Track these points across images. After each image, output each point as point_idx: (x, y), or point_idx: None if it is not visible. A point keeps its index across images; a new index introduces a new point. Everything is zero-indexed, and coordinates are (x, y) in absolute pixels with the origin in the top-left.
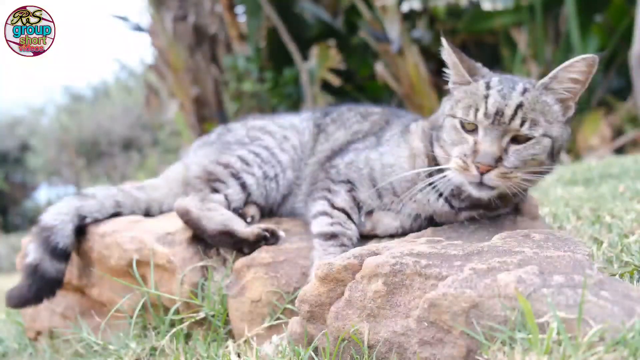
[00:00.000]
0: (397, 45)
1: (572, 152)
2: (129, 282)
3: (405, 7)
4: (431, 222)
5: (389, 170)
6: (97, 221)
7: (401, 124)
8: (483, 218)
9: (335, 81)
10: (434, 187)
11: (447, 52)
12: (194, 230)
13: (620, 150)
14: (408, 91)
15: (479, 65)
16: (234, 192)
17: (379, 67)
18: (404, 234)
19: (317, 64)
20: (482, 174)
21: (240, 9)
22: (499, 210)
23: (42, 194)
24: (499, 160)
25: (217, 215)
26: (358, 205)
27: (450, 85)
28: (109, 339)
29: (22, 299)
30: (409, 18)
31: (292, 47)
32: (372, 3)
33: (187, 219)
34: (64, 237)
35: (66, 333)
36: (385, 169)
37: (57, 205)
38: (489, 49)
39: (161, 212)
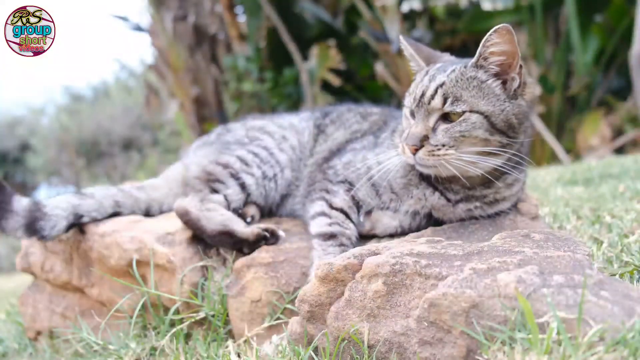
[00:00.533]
0: (397, 45)
1: (572, 152)
2: (129, 282)
3: (405, 7)
4: (429, 220)
5: (385, 168)
6: (96, 221)
7: (395, 124)
8: (483, 215)
9: (335, 81)
10: (426, 180)
11: (404, 46)
12: (193, 230)
13: (620, 150)
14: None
15: (441, 53)
16: (234, 193)
17: (379, 67)
18: (403, 233)
19: (317, 64)
20: (414, 154)
21: (240, 9)
22: (497, 205)
23: (42, 194)
24: (424, 139)
25: (216, 215)
26: (357, 205)
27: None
28: (109, 339)
29: None
30: (409, 18)
31: (292, 47)
32: (372, 3)
33: (187, 220)
34: (52, 229)
35: (66, 333)
36: (382, 167)
37: (57, 199)
38: None
39: (161, 212)
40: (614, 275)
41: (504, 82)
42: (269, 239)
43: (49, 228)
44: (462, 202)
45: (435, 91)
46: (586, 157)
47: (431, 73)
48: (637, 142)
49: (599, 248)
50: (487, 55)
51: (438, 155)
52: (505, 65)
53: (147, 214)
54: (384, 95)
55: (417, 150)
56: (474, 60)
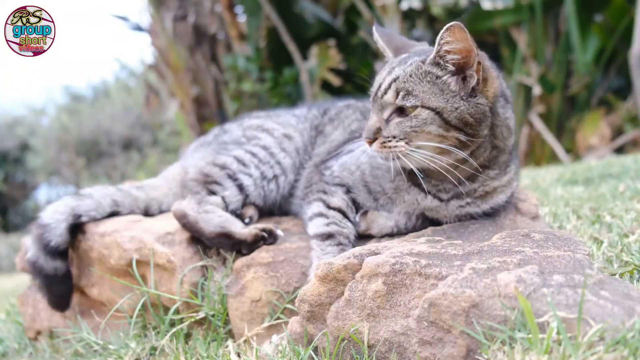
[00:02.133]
0: None
1: (572, 152)
2: (128, 281)
3: (404, 6)
4: (425, 219)
5: (377, 172)
6: (96, 220)
7: None
8: (478, 212)
9: (335, 81)
10: (416, 185)
11: (376, 37)
12: (191, 233)
13: (620, 150)
14: None
15: (414, 44)
16: (231, 194)
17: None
18: (399, 233)
19: (317, 63)
20: (370, 146)
21: (240, 9)
22: (490, 199)
23: (42, 194)
24: (378, 132)
25: (214, 217)
26: (355, 204)
27: None
28: (109, 338)
29: (51, 304)
30: (409, 17)
31: (292, 47)
32: (372, 2)
33: (185, 222)
34: (57, 235)
35: (66, 333)
36: (374, 171)
37: (54, 204)
38: (489, 49)
39: (161, 212)
40: (614, 275)
41: (464, 79)
42: (267, 239)
43: (53, 235)
44: (453, 199)
45: (389, 85)
46: (586, 157)
47: (392, 65)
48: (637, 141)
49: (599, 248)
50: (443, 53)
51: (389, 147)
52: (462, 63)
53: (146, 213)
54: None
55: (371, 142)
56: (431, 57)
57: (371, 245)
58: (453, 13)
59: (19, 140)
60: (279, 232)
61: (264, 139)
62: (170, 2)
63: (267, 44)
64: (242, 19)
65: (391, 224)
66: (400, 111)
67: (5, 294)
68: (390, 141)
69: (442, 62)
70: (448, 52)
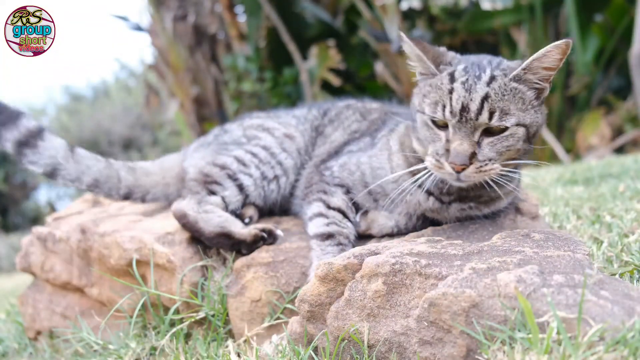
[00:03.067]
0: (397, 45)
1: (572, 152)
2: (128, 281)
3: (404, 5)
4: (425, 219)
5: (378, 172)
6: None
7: (393, 123)
8: (479, 215)
9: (335, 81)
10: (420, 187)
11: (409, 45)
12: (191, 233)
13: (620, 150)
14: (408, 91)
15: (443, 50)
16: (231, 194)
17: (379, 67)
18: (399, 233)
19: (317, 63)
20: (458, 172)
21: (240, 9)
22: (493, 204)
23: (42, 194)
24: (472, 156)
25: (214, 217)
26: (355, 205)
27: (417, 77)
28: (109, 338)
29: None
30: (409, 17)
31: (291, 47)
32: (372, 2)
33: (185, 222)
34: (30, 162)
35: (66, 333)
36: (375, 172)
37: (54, 145)
38: (489, 49)
39: (143, 201)
40: (614, 274)
41: (538, 91)
42: (267, 239)
43: (28, 161)
44: (456, 202)
45: (482, 105)
46: (586, 157)
47: (462, 79)
48: (637, 141)
49: (599, 248)
50: (538, 70)
51: (485, 171)
52: (547, 79)
53: (126, 198)
54: (384, 95)
55: (463, 169)
56: (518, 71)
57: (371, 245)
58: (453, 13)
59: None
60: (279, 232)
61: (265, 138)
62: (170, 2)
63: (267, 44)
64: (242, 19)
65: (391, 224)
66: (487, 130)
67: (5, 294)
68: (486, 165)
69: (531, 77)
70: (546, 68)
